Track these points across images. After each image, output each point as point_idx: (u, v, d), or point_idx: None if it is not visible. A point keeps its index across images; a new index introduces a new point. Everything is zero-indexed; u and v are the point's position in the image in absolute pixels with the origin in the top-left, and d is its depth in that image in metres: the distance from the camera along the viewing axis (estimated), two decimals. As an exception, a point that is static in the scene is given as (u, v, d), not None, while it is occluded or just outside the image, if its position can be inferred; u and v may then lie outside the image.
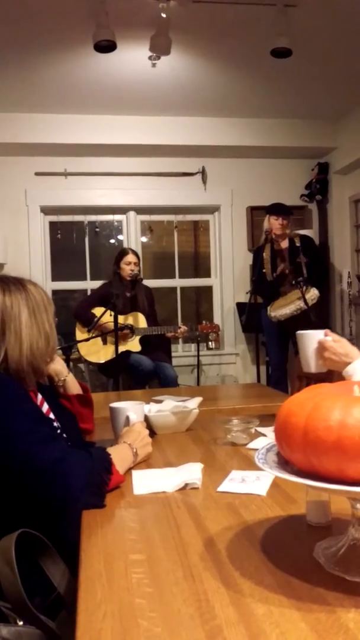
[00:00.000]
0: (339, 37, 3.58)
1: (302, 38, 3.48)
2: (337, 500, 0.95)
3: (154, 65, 3.81)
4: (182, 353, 5.23)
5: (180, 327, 4.32)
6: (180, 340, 5.16)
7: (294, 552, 0.85)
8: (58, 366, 1.59)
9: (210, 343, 5.06)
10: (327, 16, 3.33)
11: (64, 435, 1.38)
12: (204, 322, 4.67)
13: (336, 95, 4.51)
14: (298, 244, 4.47)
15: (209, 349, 5.19)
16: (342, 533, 0.84)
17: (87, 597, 0.76)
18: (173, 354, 4.81)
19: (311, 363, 1.63)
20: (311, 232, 5.14)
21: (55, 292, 5.11)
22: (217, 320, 5.33)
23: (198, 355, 4.88)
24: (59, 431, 1.37)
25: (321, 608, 0.69)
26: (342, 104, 4.69)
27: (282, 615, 0.68)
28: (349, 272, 5.15)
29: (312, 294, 4.19)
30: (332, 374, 2.02)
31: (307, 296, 4.10)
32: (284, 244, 4.51)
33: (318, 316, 4.35)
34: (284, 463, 0.81)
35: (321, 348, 1.60)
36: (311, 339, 1.64)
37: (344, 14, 3.31)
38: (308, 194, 5.38)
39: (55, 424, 1.38)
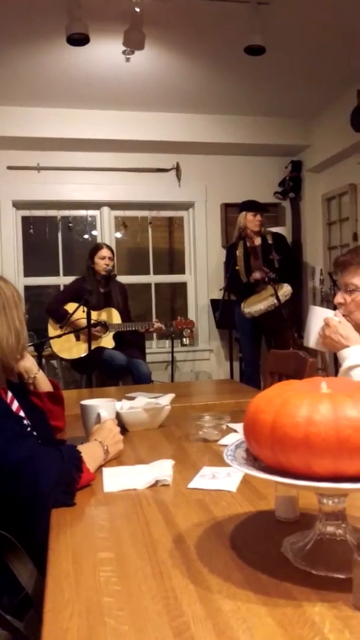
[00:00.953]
0: (312, 35, 3.61)
1: (276, 36, 3.50)
2: (305, 495, 0.96)
3: (127, 59, 3.79)
4: (156, 349, 5.23)
5: (154, 323, 4.31)
6: (154, 336, 5.16)
7: (262, 548, 0.86)
8: (28, 363, 1.57)
9: (184, 339, 5.07)
10: (301, 14, 3.36)
11: (34, 433, 1.36)
12: (179, 317, 4.67)
13: (310, 94, 4.54)
14: (270, 242, 4.51)
15: (183, 345, 5.20)
16: (309, 528, 0.85)
17: (55, 597, 0.75)
18: (147, 351, 4.80)
19: (311, 338, 1.66)
20: (284, 230, 5.18)
21: (27, 288, 5.05)
22: (191, 316, 5.34)
23: (172, 352, 4.88)
24: (29, 429, 1.35)
25: (288, 603, 0.70)
26: (316, 102, 4.73)
27: (249, 611, 0.68)
28: (321, 269, 5.21)
29: (285, 290, 4.23)
30: (302, 370, 2.05)
31: (280, 293, 4.13)
32: (257, 241, 4.54)
33: (291, 312, 4.39)
34: (253, 459, 0.82)
35: (325, 326, 1.61)
36: (318, 314, 1.67)
37: (317, 12, 3.34)
38: (281, 192, 5.42)
39: (25, 421, 1.37)
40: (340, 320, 1.62)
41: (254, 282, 4.38)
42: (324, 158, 4.95)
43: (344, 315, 1.67)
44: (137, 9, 3.19)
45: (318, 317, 1.66)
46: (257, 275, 4.34)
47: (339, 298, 1.67)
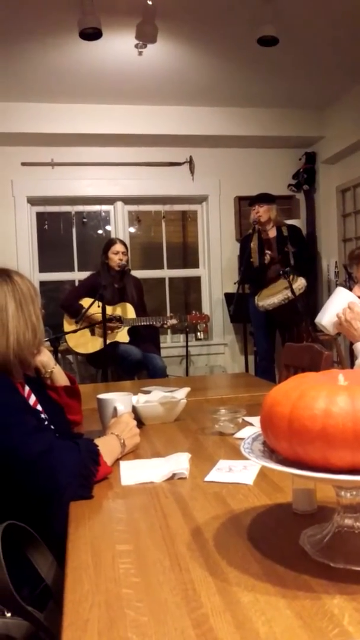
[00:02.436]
0: (325, 25, 3.56)
1: (288, 26, 3.47)
2: (322, 488, 0.95)
3: (140, 53, 3.78)
4: (170, 344, 5.23)
5: (169, 318, 4.31)
6: (168, 331, 5.17)
7: (280, 541, 0.86)
8: (45, 358, 1.58)
9: (198, 334, 5.07)
10: (314, 4, 3.32)
11: (52, 427, 1.37)
12: (193, 312, 4.67)
13: (323, 84, 4.50)
14: (285, 234, 4.48)
15: (197, 339, 5.20)
16: (327, 521, 0.84)
17: (74, 588, 0.76)
18: (162, 345, 4.81)
19: (326, 316, 1.62)
20: (298, 222, 5.15)
21: (42, 284, 5.08)
22: (205, 310, 5.33)
23: (187, 346, 4.88)
24: (46, 423, 1.37)
25: (306, 595, 0.70)
26: (329, 93, 4.68)
27: (267, 603, 0.68)
28: (335, 262, 5.17)
29: (300, 283, 4.21)
30: (318, 363, 2.04)
31: (295, 285, 4.11)
32: (272, 233, 4.51)
33: (305, 305, 4.37)
34: (270, 452, 0.82)
35: (346, 310, 1.59)
36: (343, 296, 1.63)
37: (330, 2, 3.30)
38: (295, 184, 5.38)
39: (42, 415, 1.38)
40: None
41: (267, 263, 4.36)
42: (338, 149, 4.90)
43: None
44: (150, 2, 3.18)
45: (342, 299, 1.63)
46: (268, 255, 4.32)
47: (357, 291, 1.66)
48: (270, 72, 4.24)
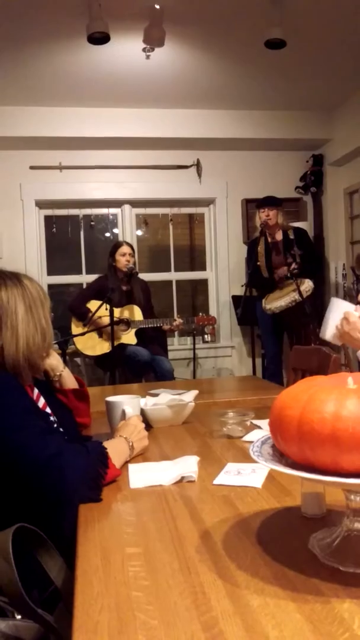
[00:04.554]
0: (332, 27, 3.56)
1: (296, 29, 3.47)
2: (332, 491, 0.95)
3: (148, 57, 3.79)
4: (178, 346, 5.23)
5: (175, 320, 4.31)
6: (176, 333, 5.16)
7: (289, 544, 0.86)
8: (54, 361, 1.59)
9: (206, 336, 5.07)
10: (320, 5, 3.32)
11: (61, 429, 1.38)
12: (200, 314, 4.67)
13: (330, 87, 4.50)
14: (292, 237, 4.48)
15: (204, 342, 5.20)
16: (336, 524, 0.84)
17: (84, 591, 0.77)
18: (169, 348, 4.81)
19: (328, 330, 1.60)
20: (306, 225, 5.14)
21: (50, 287, 5.10)
22: (212, 313, 5.33)
23: (194, 349, 4.88)
24: (55, 425, 1.37)
25: (316, 599, 0.70)
26: (337, 95, 4.68)
27: (277, 607, 0.68)
28: (343, 264, 5.16)
29: (307, 285, 4.20)
30: (326, 366, 2.03)
31: (302, 288, 4.10)
32: (278, 236, 4.51)
33: (313, 308, 4.36)
34: (279, 455, 0.82)
35: (344, 320, 1.57)
36: (339, 307, 1.61)
37: (337, 4, 3.30)
38: (303, 186, 5.38)
39: (51, 418, 1.38)
40: None
41: (278, 279, 4.36)
42: (346, 151, 4.89)
43: None
44: (157, 6, 3.19)
45: (338, 310, 1.61)
46: (281, 272, 4.32)
47: None
48: (277, 75, 4.24)
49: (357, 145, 4.69)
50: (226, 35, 3.64)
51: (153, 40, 3.43)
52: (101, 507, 1.07)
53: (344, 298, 5.12)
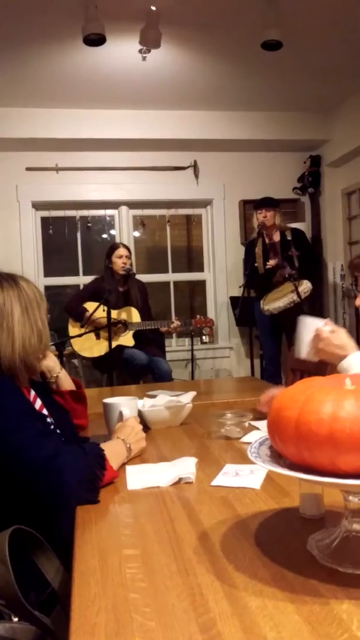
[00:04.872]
0: (329, 28, 3.57)
1: (292, 30, 3.47)
2: (330, 492, 0.95)
3: (144, 58, 3.79)
4: (176, 347, 5.23)
5: (173, 322, 4.31)
6: (174, 334, 5.16)
7: (287, 545, 0.86)
8: (50, 363, 1.59)
9: (204, 337, 5.07)
10: (317, 7, 3.32)
11: (58, 431, 1.37)
12: (198, 316, 4.67)
13: (328, 88, 4.50)
14: (289, 237, 4.48)
15: (202, 343, 5.19)
16: (335, 525, 0.84)
17: (81, 593, 0.76)
18: (167, 349, 4.81)
19: (303, 349, 1.60)
20: (304, 225, 5.14)
21: (47, 288, 5.10)
22: (210, 314, 5.33)
23: (192, 350, 4.88)
24: (52, 427, 1.37)
25: (314, 600, 0.69)
26: (334, 96, 4.68)
27: (275, 608, 0.68)
28: (341, 265, 5.16)
29: (305, 286, 4.20)
30: (324, 367, 2.03)
31: (300, 289, 4.10)
32: (276, 237, 4.51)
33: (311, 309, 4.36)
34: (277, 456, 0.81)
35: (316, 337, 1.56)
36: (309, 326, 1.60)
37: (333, 5, 3.30)
38: (300, 187, 5.38)
39: (48, 420, 1.38)
40: (332, 329, 1.55)
41: (271, 269, 4.35)
42: (343, 152, 4.89)
43: None
44: (153, 7, 3.19)
45: (308, 328, 1.60)
46: (272, 262, 4.31)
47: (359, 301, 1.64)
48: (274, 76, 4.24)
49: (354, 146, 4.70)
50: (223, 36, 3.64)
51: (149, 42, 3.43)
52: (98, 508, 1.07)
53: (342, 299, 5.14)
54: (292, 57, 3.85)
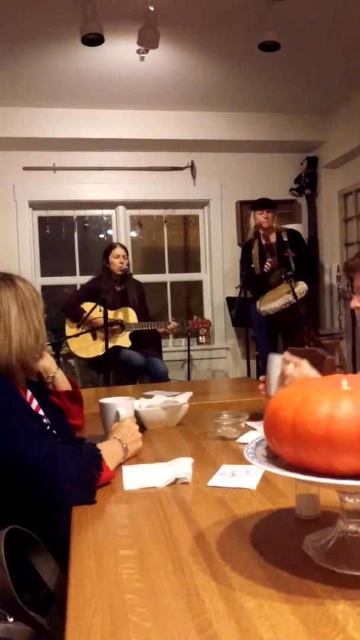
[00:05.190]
0: (327, 30, 3.58)
1: (291, 32, 3.48)
2: (326, 493, 0.95)
3: (142, 59, 3.79)
4: (172, 348, 5.23)
5: (170, 323, 4.31)
6: (170, 335, 5.16)
7: (283, 546, 0.86)
8: (47, 363, 1.58)
9: (200, 338, 5.07)
10: (315, 9, 3.33)
11: (54, 431, 1.37)
12: (195, 317, 4.67)
13: (325, 89, 4.51)
14: (285, 239, 4.48)
15: (199, 343, 5.20)
16: (331, 526, 0.84)
17: (77, 593, 0.76)
18: (163, 349, 4.81)
19: (272, 388, 1.54)
20: (300, 227, 5.15)
21: (44, 288, 5.09)
22: (207, 314, 5.33)
23: (189, 350, 4.88)
24: (48, 427, 1.37)
25: (310, 600, 0.69)
26: (331, 98, 4.69)
27: (271, 608, 0.68)
28: (338, 266, 5.17)
29: (301, 287, 4.21)
30: (321, 367, 2.03)
31: (296, 290, 4.11)
32: (272, 238, 4.52)
33: (307, 310, 4.37)
34: (273, 457, 0.81)
35: (282, 375, 1.51)
36: (272, 364, 1.56)
37: (331, 7, 3.31)
38: (297, 188, 5.39)
39: (44, 420, 1.38)
40: (295, 363, 1.50)
41: (267, 272, 4.36)
42: (340, 154, 4.91)
43: None
44: (151, 8, 3.19)
45: (273, 366, 1.55)
46: (267, 265, 4.32)
47: (355, 302, 1.64)
48: (272, 77, 4.25)
49: (351, 148, 4.71)
50: (221, 37, 3.64)
51: (147, 42, 3.43)
52: (95, 509, 1.07)
53: (339, 300, 5.15)
54: (289, 58, 3.86)
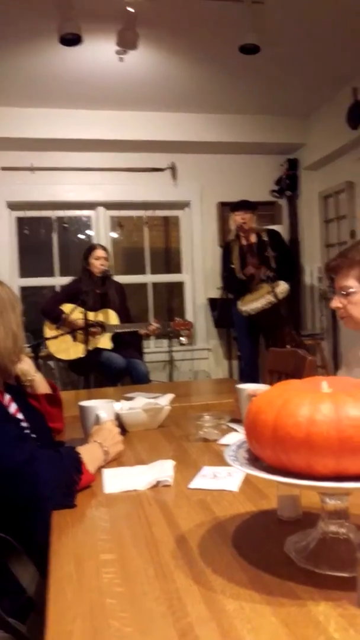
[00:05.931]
0: (307, 33, 3.60)
1: (271, 34, 3.50)
2: (307, 494, 0.96)
3: (121, 59, 3.78)
4: (154, 349, 5.22)
5: (151, 325, 4.29)
6: (152, 336, 5.15)
7: (265, 547, 0.86)
8: (25, 366, 1.57)
9: (182, 339, 5.07)
10: (295, 12, 3.35)
11: (33, 435, 1.36)
12: (176, 318, 4.67)
13: (305, 92, 4.55)
14: (266, 239, 4.51)
15: (181, 344, 5.19)
16: (312, 527, 0.84)
17: (57, 599, 0.75)
18: (145, 350, 4.80)
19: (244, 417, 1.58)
20: (281, 228, 5.18)
21: (23, 289, 5.04)
22: (189, 315, 5.33)
23: (170, 351, 4.88)
24: (27, 431, 1.35)
25: (292, 602, 0.70)
26: (311, 100, 4.73)
27: (253, 611, 0.68)
28: (318, 267, 5.21)
29: (282, 287, 4.23)
30: (302, 368, 2.05)
31: (277, 290, 4.13)
32: (252, 238, 4.53)
33: (288, 310, 4.40)
34: (255, 459, 0.82)
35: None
36: (243, 394, 1.62)
37: (311, 10, 3.34)
38: (278, 190, 5.42)
39: (23, 424, 1.36)
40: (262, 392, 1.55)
41: (249, 277, 4.38)
42: (321, 156, 4.95)
43: (341, 318, 1.68)
44: (130, 9, 3.18)
45: (243, 396, 1.62)
46: (250, 270, 4.34)
47: (335, 302, 1.66)
48: (252, 79, 4.27)
49: (331, 150, 4.75)
50: (201, 39, 3.65)
51: (126, 43, 3.42)
52: (75, 513, 1.06)
53: (320, 301, 5.19)
54: (270, 61, 3.88)
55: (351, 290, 1.60)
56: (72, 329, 4.01)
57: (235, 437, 1.47)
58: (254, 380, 4.37)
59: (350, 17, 3.40)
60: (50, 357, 4.33)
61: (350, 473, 0.71)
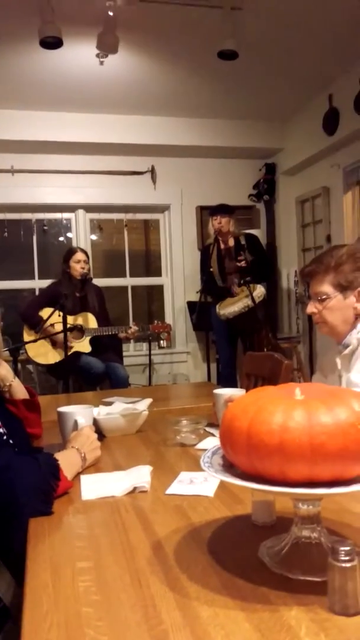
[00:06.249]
0: (284, 40, 3.65)
1: (249, 40, 3.54)
2: (281, 499, 0.97)
3: (101, 63, 3.78)
4: (133, 352, 5.22)
5: (130, 328, 4.29)
6: (131, 339, 5.14)
7: (239, 553, 0.87)
8: (3, 371, 1.56)
9: (161, 342, 5.07)
10: (273, 19, 3.39)
11: (10, 441, 1.35)
12: (155, 321, 4.67)
13: (283, 97, 4.60)
14: (243, 242, 4.55)
15: (160, 347, 5.20)
16: (286, 532, 0.86)
17: (33, 608, 0.75)
18: (124, 354, 4.79)
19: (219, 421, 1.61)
20: (259, 232, 5.23)
21: (2, 292, 5.00)
22: (168, 319, 5.34)
23: (150, 355, 4.88)
24: (4, 437, 1.34)
25: (265, 607, 0.71)
26: (289, 106, 4.79)
27: (227, 617, 0.69)
28: (295, 271, 5.27)
29: (259, 291, 4.27)
30: (279, 372, 2.07)
31: (255, 294, 4.17)
32: (230, 242, 4.57)
33: (265, 314, 4.43)
34: (229, 466, 0.83)
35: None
36: (220, 399, 1.64)
37: (289, 17, 3.38)
38: (256, 194, 5.47)
39: (0, 430, 1.35)
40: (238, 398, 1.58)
41: (228, 284, 4.42)
42: (298, 161, 5.01)
43: (316, 323, 1.70)
44: (111, 13, 3.18)
45: (220, 401, 1.64)
46: (235, 288, 4.39)
47: (311, 308, 1.68)
48: (231, 84, 4.30)
49: (308, 155, 4.81)
50: (180, 44, 3.67)
51: (106, 47, 3.42)
52: (52, 520, 1.06)
53: (296, 304, 5.24)
54: (248, 66, 3.92)
55: (325, 296, 1.63)
56: (50, 333, 3.98)
57: (213, 441, 1.48)
58: (232, 383, 4.40)
59: (327, 25, 3.45)
60: (29, 361, 4.30)
61: (322, 479, 0.72)
